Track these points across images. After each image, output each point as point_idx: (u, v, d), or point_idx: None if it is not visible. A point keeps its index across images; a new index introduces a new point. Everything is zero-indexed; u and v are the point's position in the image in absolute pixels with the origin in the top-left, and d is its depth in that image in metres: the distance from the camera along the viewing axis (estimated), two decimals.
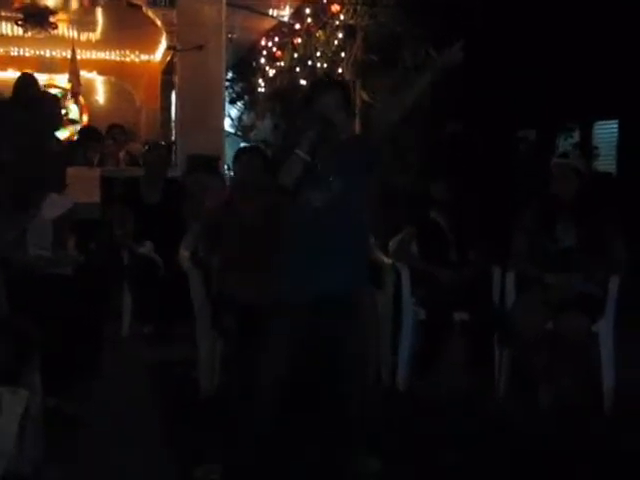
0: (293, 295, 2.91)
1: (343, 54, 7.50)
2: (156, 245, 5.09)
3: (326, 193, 2.87)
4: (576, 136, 10.59)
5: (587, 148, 10.10)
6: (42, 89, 4.77)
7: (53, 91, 10.28)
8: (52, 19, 9.74)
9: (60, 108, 6.27)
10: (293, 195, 2.88)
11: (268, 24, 9.19)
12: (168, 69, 10.62)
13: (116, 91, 11.47)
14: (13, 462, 2.13)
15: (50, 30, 9.83)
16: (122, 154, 7.55)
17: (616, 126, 10.34)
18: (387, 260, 4.26)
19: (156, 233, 5.12)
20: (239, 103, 11.05)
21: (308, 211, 2.89)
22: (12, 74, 10.76)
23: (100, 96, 11.49)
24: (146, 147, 7.54)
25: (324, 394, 3.26)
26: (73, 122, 10.71)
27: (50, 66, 10.80)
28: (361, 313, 3.02)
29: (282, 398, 2.93)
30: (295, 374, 2.98)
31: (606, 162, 10.59)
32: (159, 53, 10.95)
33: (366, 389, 3.08)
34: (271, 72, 9.03)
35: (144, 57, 11.29)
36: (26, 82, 5.19)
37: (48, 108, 4.66)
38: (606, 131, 10.73)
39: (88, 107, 10.87)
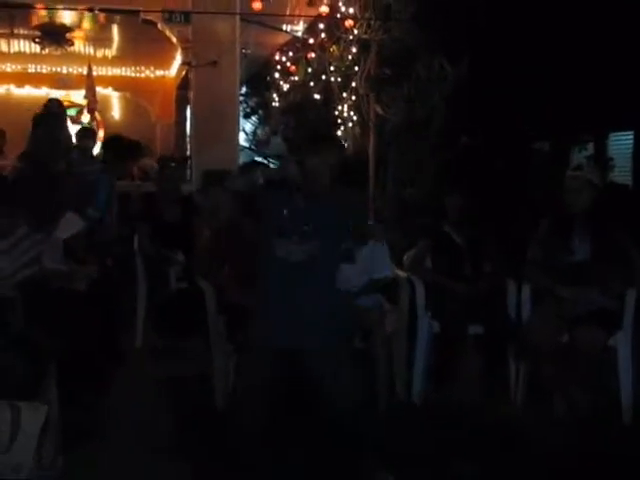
0: (268, 341, 2.95)
1: (357, 68, 7.52)
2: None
3: (306, 246, 2.90)
4: (590, 148, 10.54)
5: (602, 160, 10.04)
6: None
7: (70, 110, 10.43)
8: (69, 36, 9.87)
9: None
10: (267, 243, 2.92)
11: (282, 39, 9.26)
12: (183, 84, 10.71)
13: (131, 107, 11.59)
14: (32, 474, 2.14)
15: (67, 47, 9.96)
16: (135, 169, 7.61)
17: (632, 137, 10.27)
18: (402, 274, 4.26)
19: (178, 248, 5.15)
20: (253, 117, 11.11)
21: (285, 264, 2.92)
22: (29, 90, 10.93)
23: (116, 112, 11.62)
24: (159, 163, 7.60)
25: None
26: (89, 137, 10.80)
27: (66, 82, 10.93)
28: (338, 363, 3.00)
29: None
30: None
31: (622, 174, 10.53)
32: (174, 69, 11.05)
33: (357, 410, 3.03)
34: (285, 86, 9.08)
35: (159, 73, 11.40)
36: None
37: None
38: (622, 142, 10.67)
39: (104, 122, 10.99)
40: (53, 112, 4.89)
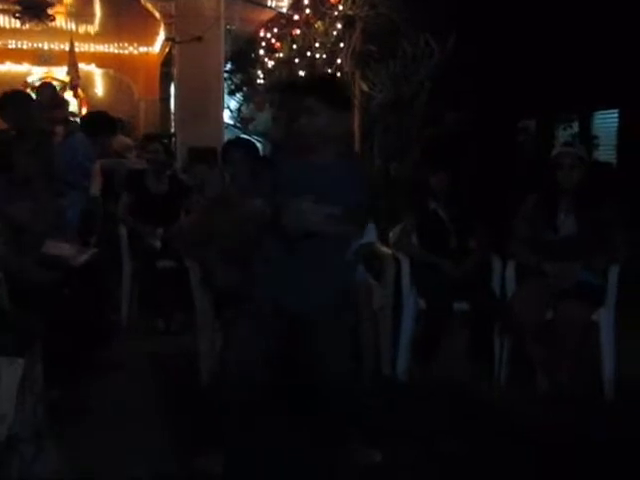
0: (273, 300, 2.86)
1: (342, 45, 7.47)
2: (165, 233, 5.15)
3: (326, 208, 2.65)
4: (575, 126, 10.58)
5: (587, 138, 10.08)
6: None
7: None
8: (50, 11, 9.73)
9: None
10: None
11: (267, 15, 9.16)
12: (167, 61, 10.61)
13: (115, 83, 11.48)
14: (15, 425, 2.19)
15: (48, 22, 9.82)
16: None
17: (616, 115, 10.31)
18: (387, 250, 4.26)
19: (163, 223, 5.15)
20: (238, 94, 11.01)
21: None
22: (10, 67, 10.78)
23: (99, 88, 11.49)
24: (143, 139, 7.54)
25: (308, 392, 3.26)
26: (72, 115, 10.70)
27: (48, 59, 10.79)
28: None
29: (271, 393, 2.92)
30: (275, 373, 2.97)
31: (606, 152, 10.58)
32: (157, 45, 10.94)
33: (350, 384, 3.03)
34: (270, 63, 8.99)
35: (142, 49, 11.28)
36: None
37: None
38: (606, 121, 10.71)
39: (87, 99, 10.87)
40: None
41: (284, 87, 2.92)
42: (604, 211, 3.87)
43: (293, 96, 2.97)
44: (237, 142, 4.39)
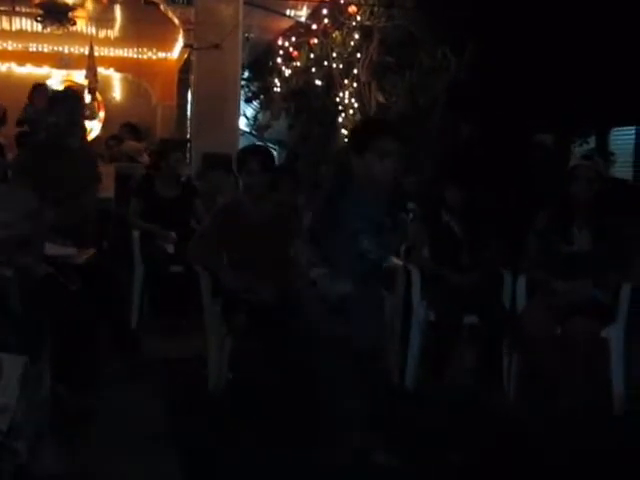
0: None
1: (359, 55, 7.49)
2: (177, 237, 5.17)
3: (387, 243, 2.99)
4: (592, 142, 10.52)
5: (604, 154, 10.02)
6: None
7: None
8: (71, 15, 9.80)
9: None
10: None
11: (285, 24, 9.21)
12: (185, 67, 10.66)
13: (133, 88, 11.53)
14: (16, 417, 2.21)
15: (69, 26, 9.89)
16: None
17: (634, 132, 10.26)
18: (398, 262, 4.26)
19: (172, 227, 5.18)
20: (255, 102, 11.06)
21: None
22: (30, 69, 10.88)
23: (117, 93, 11.56)
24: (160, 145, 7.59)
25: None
26: (90, 118, 10.79)
27: (68, 62, 10.88)
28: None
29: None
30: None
31: (623, 169, 10.52)
32: (176, 51, 11.00)
33: (374, 389, 3.06)
34: (287, 72, 9.04)
35: (161, 55, 11.34)
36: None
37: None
38: (623, 138, 10.65)
39: (105, 103, 10.95)
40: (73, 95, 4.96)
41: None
42: (619, 227, 3.84)
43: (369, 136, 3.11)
44: (253, 149, 4.35)
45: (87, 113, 6.77)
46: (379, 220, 3.05)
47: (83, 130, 5.12)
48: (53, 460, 2.43)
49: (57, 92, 5.11)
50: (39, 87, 7.54)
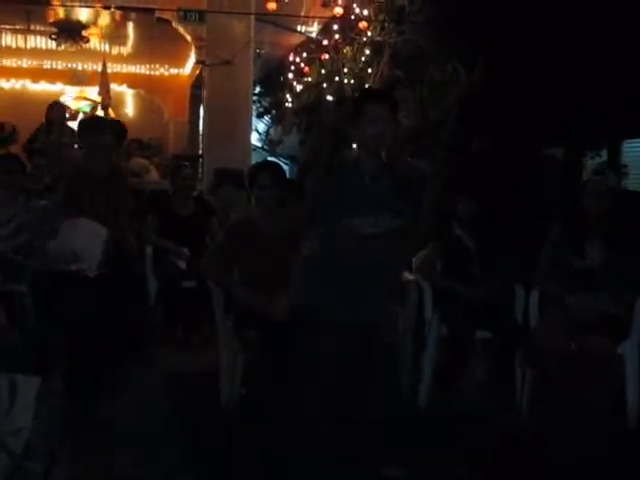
0: (328, 313, 2.88)
1: (370, 70, 7.52)
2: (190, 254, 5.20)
3: (382, 220, 2.82)
4: (604, 155, 10.49)
5: (616, 167, 9.98)
6: None
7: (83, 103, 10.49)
8: (84, 33, 9.94)
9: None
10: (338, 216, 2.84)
11: (296, 40, 9.28)
12: (197, 83, 10.74)
13: (145, 104, 11.64)
14: (32, 439, 2.23)
15: (82, 44, 10.03)
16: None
17: None
18: (410, 276, 4.25)
19: (186, 244, 5.20)
20: (266, 117, 11.13)
21: (355, 236, 2.82)
22: (44, 86, 11.01)
23: (129, 109, 11.67)
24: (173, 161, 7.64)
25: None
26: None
27: (81, 79, 11.00)
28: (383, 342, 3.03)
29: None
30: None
31: (636, 181, 10.46)
32: (188, 67, 11.09)
33: (387, 398, 3.04)
34: (298, 87, 9.08)
35: (173, 71, 11.44)
36: None
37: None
38: (636, 149, 10.61)
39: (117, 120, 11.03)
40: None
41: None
42: (632, 241, 3.83)
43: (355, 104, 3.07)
44: (264, 164, 4.36)
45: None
46: (379, 200, 2.90)
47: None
48: (66, 476, 2.43)
49: (86, 120, 5.09)
50: (56, 105, 7.58)
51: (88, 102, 11.04)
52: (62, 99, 10.17)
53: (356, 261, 2.85)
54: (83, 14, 9.51)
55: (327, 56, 8.34)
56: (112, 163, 4.54)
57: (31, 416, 2.21)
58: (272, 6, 7.46)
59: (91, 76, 10.71)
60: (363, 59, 7.63)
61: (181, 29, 9.17)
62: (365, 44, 7.54)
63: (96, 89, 10.06)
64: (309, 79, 8.81)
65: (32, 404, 2.21)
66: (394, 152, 3.05)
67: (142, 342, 4.51)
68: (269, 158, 9.46)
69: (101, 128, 4.54)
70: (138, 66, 11.31)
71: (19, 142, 7.69)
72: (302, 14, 8.51)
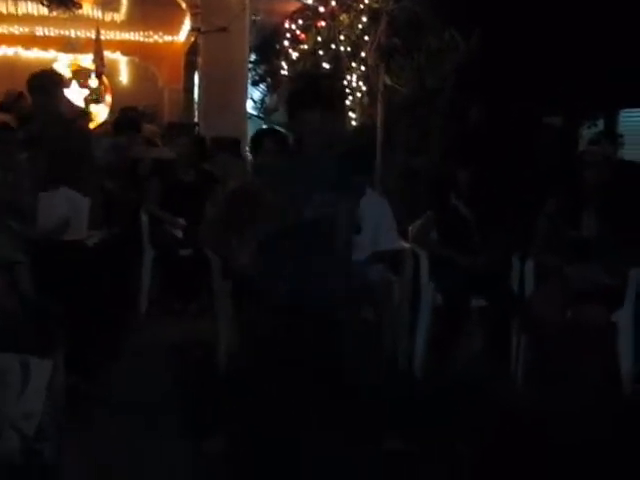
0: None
1: (367, 38, 7.45)
2: (188, 222, 5.18)
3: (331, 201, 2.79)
4: (600, 124, 10.47)
5: (612, 136, 9.96)
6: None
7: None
8: None
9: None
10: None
11: (292, 7, 9.15)
12: (192, 50, 10.63)
13: (139, 71, 11.51)
14: (43, 422, 2.25)
15: (75, 10, 9.88)
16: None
17: None
18: (406, 245, 4.26)
19: (189, 210, 5.19)
20: (262, 85, 11.04)
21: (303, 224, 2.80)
22: (36, 53, 10.88)
23: (123, 76, 11.54)
24: (168, 128, 7.59)
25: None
26: (97, 102, 10.79)
27: (74, 46, 10.87)
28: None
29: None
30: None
31: (632, 150, 10.46)
32: (183, 34, 10.96)
33: (378, 373, 3.07)
34: (294, 55, 8.99)
35: (168, 38, 11.31)
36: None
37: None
38: (632, 119, 10.59)
39: (111, 87, 10.94)
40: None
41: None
42: (628, 211, 3.84)
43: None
44: (268, 131, 4.34)
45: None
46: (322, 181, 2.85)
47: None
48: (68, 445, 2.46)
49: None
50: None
51: (82, 70, 10.93)
52: (55, 66, 10.06)
53: (305, 243, 2.81)
54: None
55: (323, 23, 8.24)
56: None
57: (43, 399, 2.22)
58: None
59: (84, 43, 10.58)
60: (360, 26, 7.56)
61: None
62: (362, 11, 7.46)
63: (89, 56, 9.96)
64: (305, 46, 8.72)
65: (44, 388, 2.22)
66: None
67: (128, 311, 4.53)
68: (264, 126, 9.41)
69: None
70: (132, 33, 11.16)
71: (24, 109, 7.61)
72: None
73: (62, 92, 4.93)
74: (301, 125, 2.85)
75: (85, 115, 7.34)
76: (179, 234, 5.23)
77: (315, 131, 2.80)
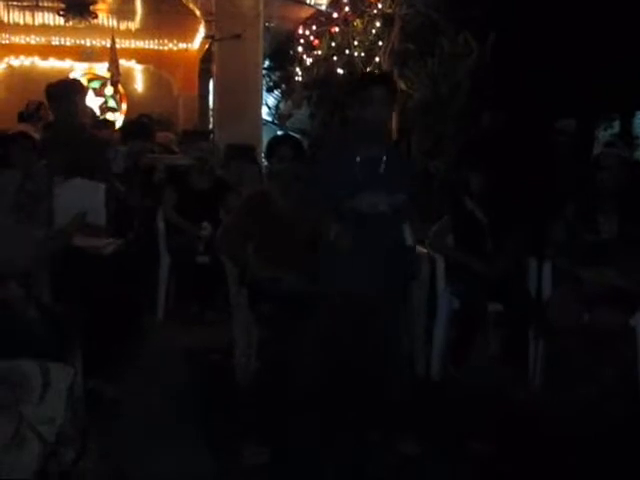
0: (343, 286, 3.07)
1: (380, 43, 7.47)
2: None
3: (391, 199, 3.00)
4: (616, 126, 10.42)
5: (628, 138, 9.91)
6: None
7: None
8: (92, 9, 9.88)
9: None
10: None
11: (306, 13, 9.19)
12: (206, 58, 10.69)
13: (154, 79, 11.59)
14: (66, 427, 2.27)
15: (90, 19, 9.98)
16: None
17: None
18: (423, 250, 4.26)
19: (202, 218, 5.20)
20: (276, 91, 11.08)
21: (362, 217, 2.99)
22: (53, 62, 10.98)
23: (139, 84, 11.63)
24: (183, 136, 7.64)
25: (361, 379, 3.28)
26: (112, 110, 10.88)
27: (90, 55, 10.97)
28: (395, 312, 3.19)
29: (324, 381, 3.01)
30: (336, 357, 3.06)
31: None
32: (197, 42, 11.03)
33: (402, 375, 3.10)
34: (308, 61, 9.03)
35: (182, 46, 11.38)
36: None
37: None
38: None
39: (127, 95, 11.03)
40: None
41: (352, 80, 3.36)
42: None
43: (359, 86, 3.22)
44: (284, 137, 4.36)
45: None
46: (377, 179, 3.08)
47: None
48: (92, 462, 2.47)
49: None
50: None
51: (97, 79, 11.02)
52: (71, 75, 10.15)
53: (361, 237, 2.97)
54: None
55: (337, 29, 8.28)
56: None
57: (64, 405, 2.24)
58: None
59: (100, 52, 10.68)
60: (373, 32, 7.58)
61: (190, 3, 9.12)
62: (375, 16, 7.49)
63: (105, 65, 10.04)
64: (319, 52, 8.75)
65: (65, 393, 2.24)
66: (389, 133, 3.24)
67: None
68: (279, 132, 9.44)
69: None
70: (147, 41, 11.25)
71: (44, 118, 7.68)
72: None
73: (82, 100, 4.97)
74: (363, 102, 3.04)
75: (108, 125, 7.42)
76: (206, 233, 5.17)
77: (381, 104, 3.02)
